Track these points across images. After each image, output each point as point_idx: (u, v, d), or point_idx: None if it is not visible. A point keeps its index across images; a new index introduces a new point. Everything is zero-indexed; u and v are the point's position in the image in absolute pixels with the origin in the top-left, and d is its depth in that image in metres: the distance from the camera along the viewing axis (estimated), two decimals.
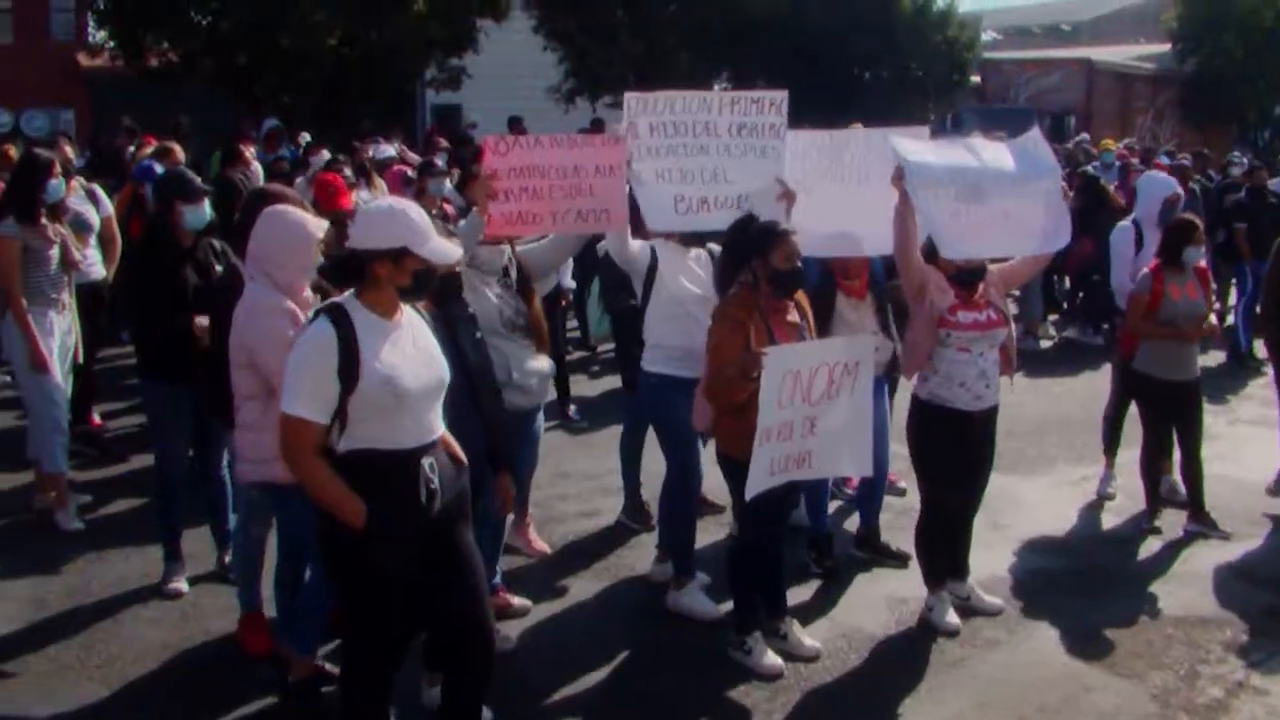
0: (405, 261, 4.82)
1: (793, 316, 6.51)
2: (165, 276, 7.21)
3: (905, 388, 7.51)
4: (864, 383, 6.54)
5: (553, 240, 6.93)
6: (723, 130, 7.15)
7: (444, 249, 4.93)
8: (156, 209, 7.57)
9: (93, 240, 10.07)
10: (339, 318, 4.80)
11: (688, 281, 7.11)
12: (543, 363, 6.68)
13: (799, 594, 7.47)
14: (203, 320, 6.83)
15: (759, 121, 7.22)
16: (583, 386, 12.28)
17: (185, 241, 7.33)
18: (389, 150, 15.61)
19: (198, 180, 7.56)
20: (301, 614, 6.24)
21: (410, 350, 4.92)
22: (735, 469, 6.40)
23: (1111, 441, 9.57)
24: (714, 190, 7.02)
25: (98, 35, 29.51)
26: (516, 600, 7.23)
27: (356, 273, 4.89)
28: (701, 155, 7.06)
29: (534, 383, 6.64)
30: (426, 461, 4.94)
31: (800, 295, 6.65)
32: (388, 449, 4.85)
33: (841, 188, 7.16)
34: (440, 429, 5.10)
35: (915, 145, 6.89)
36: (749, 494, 6.18)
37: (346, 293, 4.93)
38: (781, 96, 7.31)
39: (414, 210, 4.98)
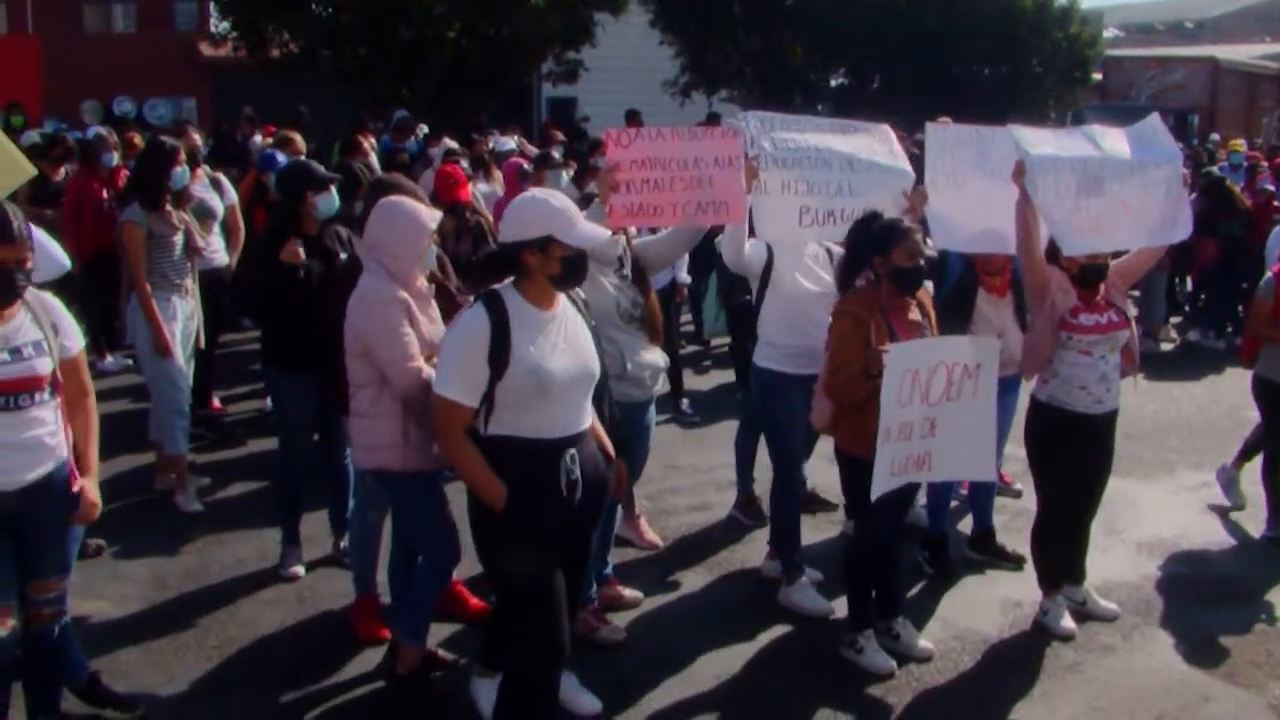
0: (552, 249, 4.88)
1: (914, 314, 6.44)
2: (291, 265, 7.29)
3: (1024, 388, 7.41)
4: (987, 386, 6.43)
5: (671, 234, 6.91)
6: (840, 144, 7.13)
7: (589, 233, 4.98)
8: (282, 198, 7.64)
9: (216, 228, 10.26)
10: (494, 305, 4.90)
11: (804, 279, 7.06)
12: (657, 355, 6.67)
13: (912, 594, 7.41)
14: None
15: (874, 144, 7.24)
16: (695, 381, 12.26)
17: (311, 230, 7.41)
18: (509, 143, 15.68)
19: (322, 168, 7.64)
20: (409, 603, 6.30)
21: (561, 342, 4.97)
22: (853, 466, 6.36)
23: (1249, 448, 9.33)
24: (840, 203, 6.96)
25: (220, 26, 29.94)
26: (628, 592, 7.25)
27: (510, 265, 4.97)
28: (825, 169, 7.02)
29: (648, 375, 6.63)
30: (569, 453, 4.99)
31: (923, 294, 6.59)
32: (532, 437, 4.94)
33: (990, 183, 7.07)
34: (588, 421, 5.15)
35: (1036, 136, 6.81)
36: (874, 495, 6.13)
37: (506, 281, 4.99)
38: (885, 129, 7.39)
39: (557, 199, 5.04)
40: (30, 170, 6.08)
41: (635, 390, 6.60)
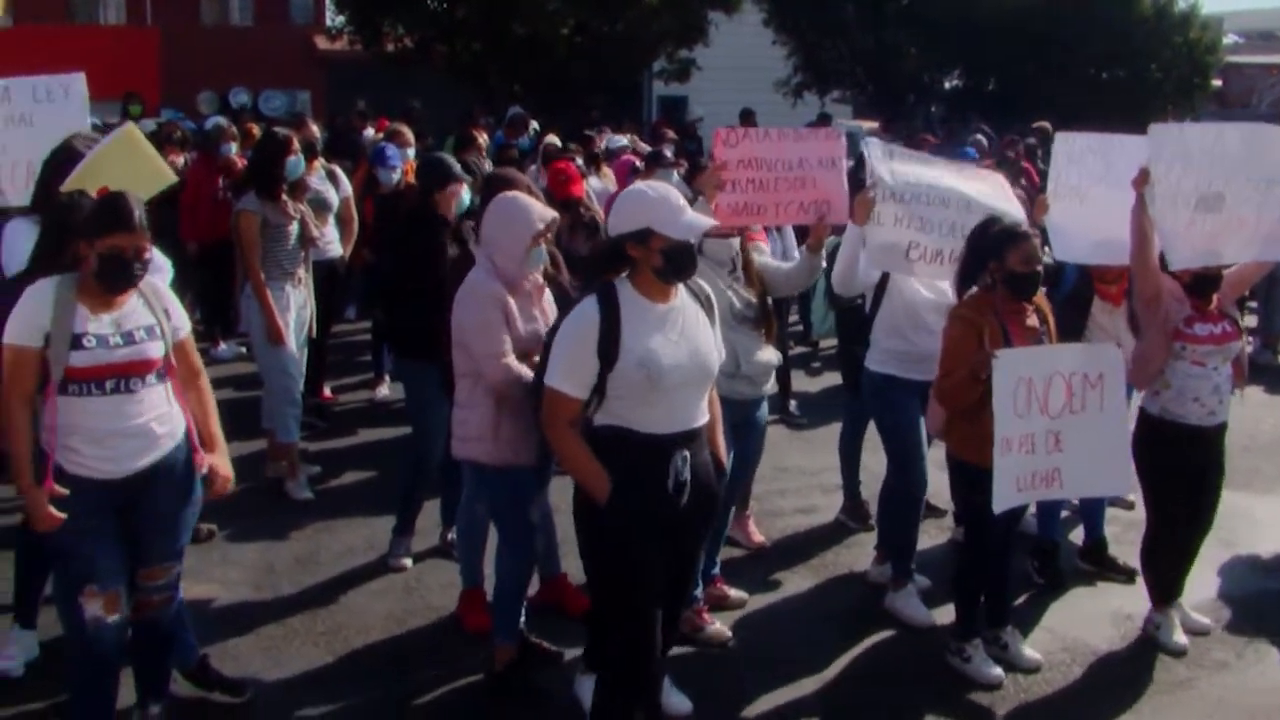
0: (651, 241, 4.85)
1: (1032, 320, 6.35)
2: (428, 257, 7.32)
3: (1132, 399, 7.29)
4: (1114, 397, 6.32)
5: (793, 267, 6.89)
6: (961, 188, 7.06)
7: (689, 224, 4.93)
8: (420, 190, 7.68)
9: (331, 219, 10.35)
10: (606, 297, 4.90)
11: (920, 285, 7.01)
12: (770, 354, 6.64)
13: (1020, 603, 7.30)
14: None
15: (990, 190, 7.17)
16: (803, 382, 12.18)
17: (449, 215, 7.46)
18: (622, 140, 15.70)
19: (457, 166, 7.66)
20: (498, 600, 6.34)
21: (675, 335, 4.93)
22: (966, 473, 6.29)
23: None
24: (950, 244, 6.89)
25: (336, 20, 30.29)
26: (733, 592, 7.23)
27: (618, 258, 4.97)
28: (941, 208, 6.96)
29: (760, 374, 6.61)
30: (681, 453, 4.96)
31: (1041, 300, 6.49)
32: (640, 431, 4.92)
33: (1113, 193, 6.96)
34: (703, 420, 5.11)
35: (1170, 144, 6.66)
36: (997, 509, 6.05)
37: (622, 275, 4.99)
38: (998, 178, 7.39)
39: (656, 190, 5.02)
40: (172, 177, 6.20)
41: (748, 388, 6.57)
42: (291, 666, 6.47)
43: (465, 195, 7.59)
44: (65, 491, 4.88)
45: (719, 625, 6.82)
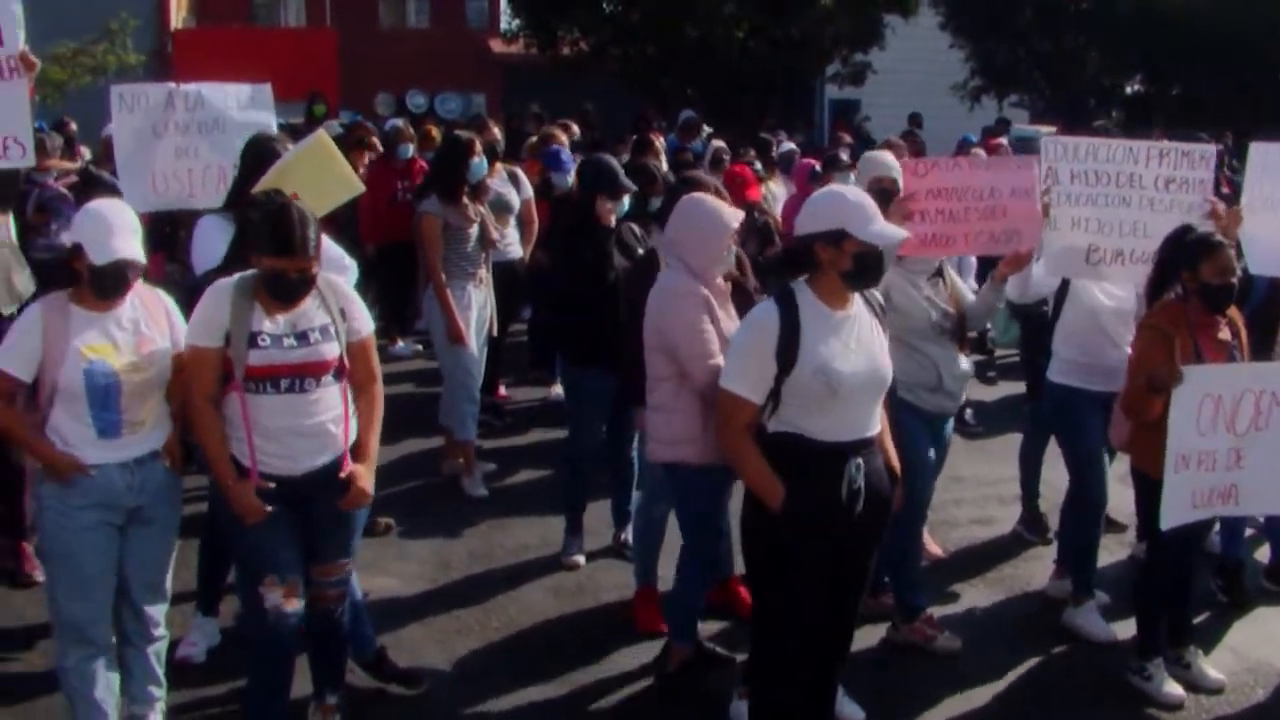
0: (845, 245, 4.81)
1: (1224, 334, 6.16)
2: (593, 260, 7.39)
3: None
4: None
5: (975, 304, 6.78)
6: (1149, 183, 6.85)
7: (886, 231, 4.91)
8: (583, 193, 7.73)
9: (512, 221, 10.47)
10: (786, 302, 4.88)
11: (1102, 294, 6.87)
12: (967, 366, 6.57)
13: (1202, 621, 7.09)
14: None
15: (1188, 176, 6.89)
16: (981, 391, 11.98)
17: (610, 223, 7.49)
18: (790, 146, 15.62)
19: (621, 175, 7.67)
20: (675, 601, 6.35)
21: (852, 343, 4.90)
22: (1151, 488, 6.13)
23: None
24: (1131, 244, 6.75)
25: (512, 23, 30.64)
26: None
27: (804, 260, 4.93)
28: (1123, 207, 6.80)
29: (960, 387, 6.55)
30: (855, 460, 4.93)
31: (1234, 313, 6.31)
32: (816, 438, 4.88)
33: None
34: (877, 428, 5.08)
35: None
36: (1165, 525, 5.90)
37: (800, 279, 4.96)
38: (1211, 151, 7.00)
39: (853, 194, 5.00)
40: (360, 186, 6.30)
41: (948, 402, 6.54)
42: (465, 661, 6.56)
43: (625, 202, 7.62)
44: (271, 485, 4.99)
45: (949, 635, 6.75)
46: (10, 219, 7.40)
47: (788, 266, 5.09)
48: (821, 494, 4.89)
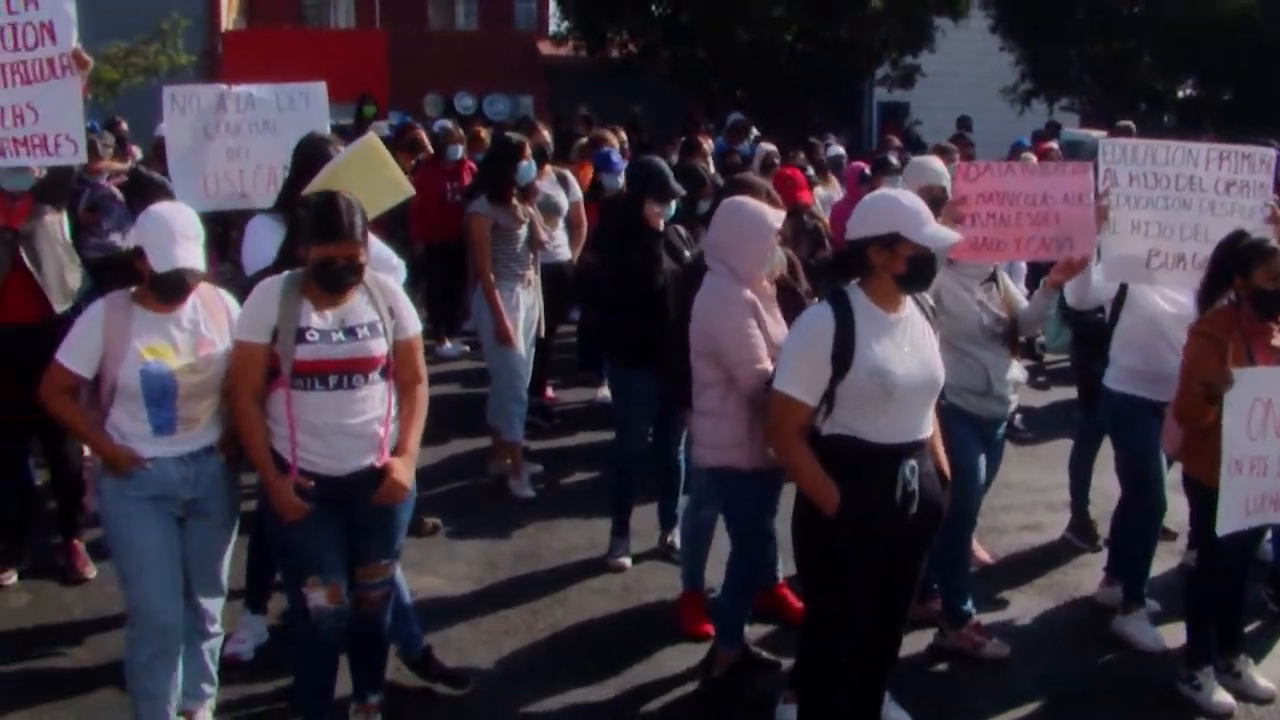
0: (898, 248, 4.81)
1: (1277, 340, 6.10)
2: (640, 262, 7.39)
3: None
4: None
5: (1026, 310, 6.73)
6: (1209, 186, 6.80)
7: (939, 234, 4.92)
8: (630, 195, 7.73)
9: (561, 223, 10.49)
10: (840, 304, 4.88)
11: (1162, 300, 6.81)
12: (1018, 371, 6.54)
13: (1254, 631, 7.02)
14: None
15: (1249, 179, 6.83)
16: (1030, 397, 11.89)
17: (658, 226, 7.49)
18: (839, 149, 15.58)
19: (671, 179, 7.63)
20: (721, 607, 6.35)
21: (906, 346, 4.91)
22: (1202, 495, 6.08)
23: None
24: (1192, 248, 6.70)
25: (561, 25, 30.69)
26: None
27: (857, 263, 4.93)
28: (1183, 210, 6.76)
29: (1010, 392, 6.52)
30: (908, 463, 4.93)
31: None
32: (870, 441, 4.88)
33: None
34: (929, 431, 5.08)
35: None
36: (1220, 531, 5.84)
37: (853, 282, 4.97)
38: (1271, 155, 6.94)
39: (907, 197, 5.01)
40: (410, 190, 6.32)
41: (998, 407, 6.50)
42: (511, 661, 6.57)
43: (672, 203, 7.61)
44: (311, 483, 5.01)
45: (997, 642, 6.71)
46: (64, 217, 7.46)
47: (840, 270, 5.10)
48: (876, 496, 4.88)
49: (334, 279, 4.98)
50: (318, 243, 4.93)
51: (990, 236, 6.35)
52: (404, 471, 5.18)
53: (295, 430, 4.99)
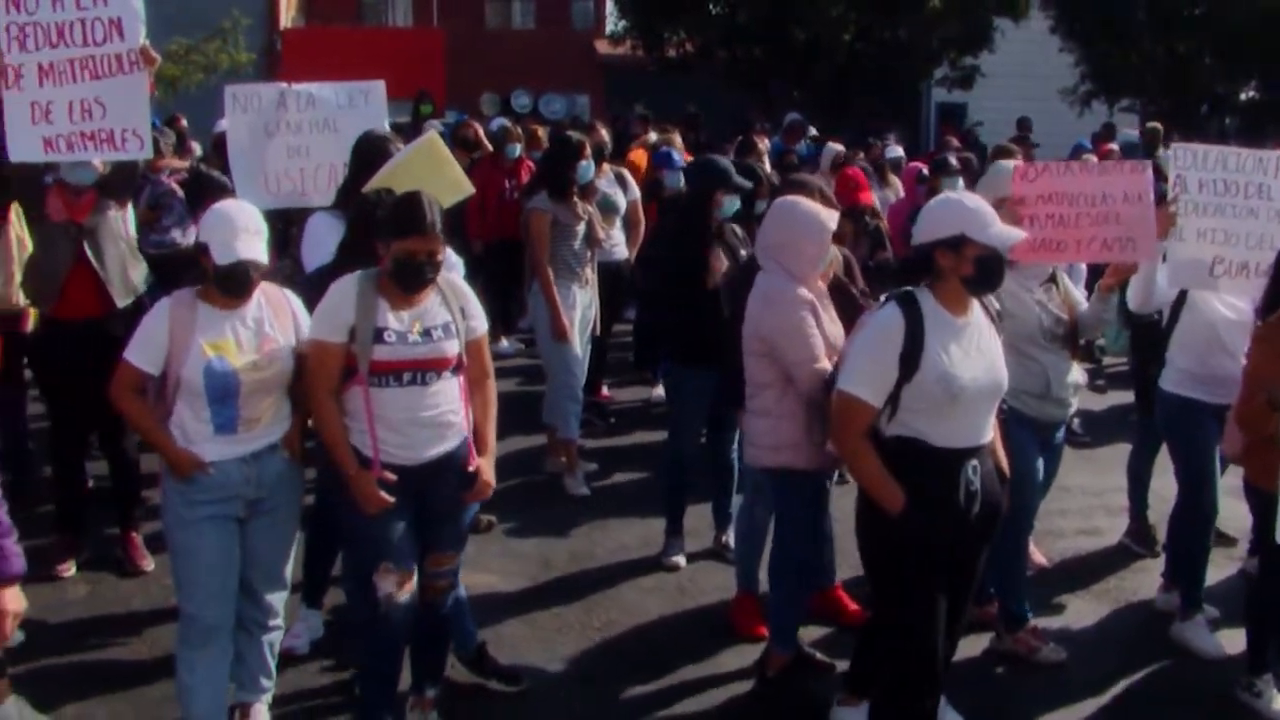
0: (965, 249, 4.82)
1: None
2: (699, 261, 7.36)
3: None
4: None
5: (1084, 313, 6.68)
6: (1277, 194, 6.74)
7: (1004, 233, 4.91)
8: (697, 190, 7.71)
9: (618, 221, 10.50)
10: (909, 306, 4.88)
11: (1222, 305, 6.74)
12: (1078, 373, 6.49)
13: None
14: None
15: None
16: (1088, 400, 11.78)
17: (716, 225, 7.47)
18: (899, 150, 15.50)
19: (733, 171, 7.64)
20: (775, 609, 6.32)
21: (973, 350, 4.91)
22: (1263, 502, 6.02)
23: None
24: (1257, 257, 6.62)
25: (618, 25, 30.72)
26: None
27: (925, 267, 4.94)
28: (1250, 218, 6.68)
29: (1070, 395, 6.47)
30: (970, 464, 4.93)
31: None
32: (934, 444, 4.88)
33: None
34: (990, 434, 5.08)
35: None
36: None
37: (921, 285, 4.97)
38: None
39: (971, 199, 5.02)
40: (470, 188, 6.34)
41: (1056, 410, 6.44)
42: (565, 659, 6.58)
43: (736, 201, 7.60)
44: (393, 477, 5.05)
45: (1054, 646, 6.66)
46: (129, 212, 7.53)
47: (907, 274, 5.10)
48: (939, 497, 4.89)
49: (414, 274, 5.02)
50: (399, 238, 4.98)
51: (1050, 237, 6.28)
52: (489, 469, 5.33)
53: (374, 425, 5.04)
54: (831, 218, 5.95)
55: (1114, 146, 15.44)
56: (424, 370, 5.05)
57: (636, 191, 10.90)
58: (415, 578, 5.23)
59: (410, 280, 5.04)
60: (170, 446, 5.12)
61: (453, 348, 5.13)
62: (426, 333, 5.07)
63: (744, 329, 6.01)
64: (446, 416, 5.15)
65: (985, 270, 4.87)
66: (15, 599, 4.21)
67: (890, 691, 5.19)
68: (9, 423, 8.51)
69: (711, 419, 7.67)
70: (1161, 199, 6.77)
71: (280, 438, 5.30)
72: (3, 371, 7.77)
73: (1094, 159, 11.83)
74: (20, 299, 7.55)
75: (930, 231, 4.92)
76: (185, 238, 8.55)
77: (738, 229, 7.69)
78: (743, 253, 7.38)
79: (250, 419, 5.17)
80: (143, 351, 5.13)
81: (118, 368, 5.17)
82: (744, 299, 6.07)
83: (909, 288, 4.98)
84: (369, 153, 6.33)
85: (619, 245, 10.62)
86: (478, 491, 5.31)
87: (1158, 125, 15.50)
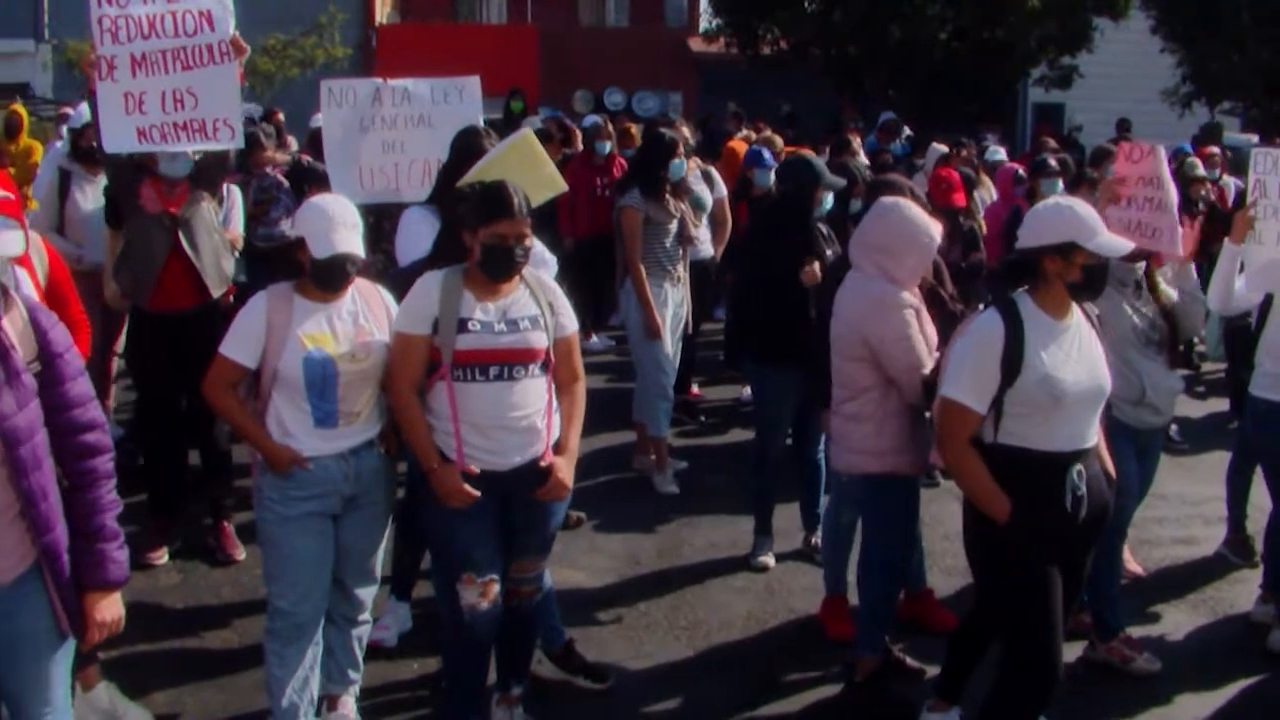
0: (1074, 256, 4.81)
1: None
2: (794, 259, 7.30)
3: None
4: None
5: (1189, 309, 6.59)
6: None
7: (1112, 243, 4.89)
8: (788, 192, 7.65)
9: (705, 219, 10.48)
10: (1009, 312, 4.86)
11: None
12: (1175, 379, 6.40)
13: None
14: None
15: None
16: (1187, 406, 11.61)
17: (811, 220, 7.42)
18: (1000, 152, 15.35)
19: (826, 170, 7.59)
20: (865, 611, 6.26)
21: (1075, 354, 4.88)
22: None
23: None
24: None
25: (713, 22, 30.69)
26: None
27: (1028, 271, 4.93)
28: None
29: (1167, 401, 6.37)
30: (1076, 468, 4.88)
31: None
32: (1038, 449, 4.86)
33: None
34: (1095, 438, 5.03)
35: None
36: None
37: (1020, 289, 4.95)
38: None
39: (1081, 206, 4.98)
40: (563, 185, 6.34)
41: (1152, 416, 6.35)
42: (651, 657, 6.57)
43: (830, 199, 7.55)
44: (476, 470, 5.03)
45: (1148, 656, 6.55)
46: (239, 199, 7.61)
47: (1009, 277, 5.06)
48: (1046, 504, 4.87)
49: (504, 258, 5.01)
50: (486, 224, 4.99)
51: (1145, 221, 6.26)
52: (566, 470, 5.23)
53: (459, 424, 5.02)
54: (936, 227, 5.91)
55: (1216, 150, 15.15)
56: (510, 364, 5.01)
57: (723, 189, 10.89)
58: (499, 585, 5.21)
59: (500, 265, 5.03)
60: (268, 442, 5.14)
61: (540, 340, 5.09)
62: (512, 323, 5.04)
63: (840, 331, 5.96)
64: (533, 420, 5.10)
65: (1091, 278, 4.87)
66: (110, 608, 4.10)
67: (1003, 695, 5.12)
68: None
69: (797, 419, 7.62)
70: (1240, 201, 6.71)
71: (376, 434, 5.31)
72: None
73: (1199, 163, 11.69)
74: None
75: (1039, 236, 4.90)
76: (293, 230, 8.64)
77: (824, 228, 7.64)
78: (828, 252, 7.32)
79: (350, 413, 5.18)
80: (240, 345, 5.15)
81: (213, 363, 5.20)
82: (831, 299, 6.03)
83: (1008, 293, 4.95)
84: (465, 149, 6.32)
85: (705, 243, 10.60)
86: (550, 489, 5.19)
87: (1221, 123, 15.20)
